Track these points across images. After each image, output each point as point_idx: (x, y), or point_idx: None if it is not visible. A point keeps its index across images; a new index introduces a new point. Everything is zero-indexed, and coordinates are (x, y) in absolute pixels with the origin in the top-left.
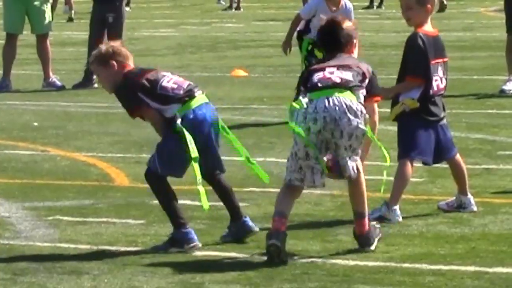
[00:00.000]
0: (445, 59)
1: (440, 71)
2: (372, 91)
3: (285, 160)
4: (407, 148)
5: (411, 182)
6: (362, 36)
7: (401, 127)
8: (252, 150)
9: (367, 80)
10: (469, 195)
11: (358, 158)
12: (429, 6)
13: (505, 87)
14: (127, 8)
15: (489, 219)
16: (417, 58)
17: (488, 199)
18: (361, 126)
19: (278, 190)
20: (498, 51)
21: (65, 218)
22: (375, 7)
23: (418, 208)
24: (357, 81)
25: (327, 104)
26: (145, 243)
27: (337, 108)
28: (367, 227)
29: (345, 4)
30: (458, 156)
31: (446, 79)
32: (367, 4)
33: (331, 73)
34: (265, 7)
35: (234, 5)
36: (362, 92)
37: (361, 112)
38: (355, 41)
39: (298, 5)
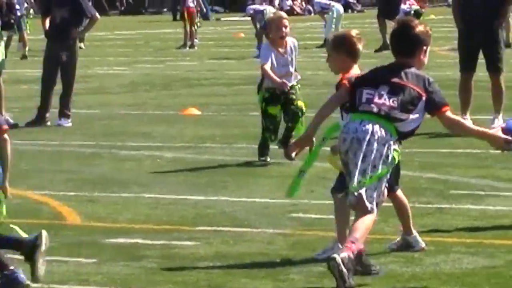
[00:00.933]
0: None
1: None
2: (434, 107)
3: (238, 199)
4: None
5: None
6: (316, 75)
7: None
8: (204, 189)
9: (422, 101)
10: (414, 233)
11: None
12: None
13: None
14: (81, 45)
15: (441, 258)
16: None
17: (440, 238)
18: (385, 152)
19: (230, 229)
20: (451, 90)
21: (17, 256)
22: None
23: (371, 247)
24: (405, 108)
25: (358, 126)
26: (97, 281)
27: (365, 130)
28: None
29: (292, 43)
30: (399, 192)
31: None
32: (321, 43)
33: (381, 96)
34: (219, 45)
35: (189, 43)
36: (414, 118)
37: (389, 144)
38: (425, 47)
39: (252, 43)
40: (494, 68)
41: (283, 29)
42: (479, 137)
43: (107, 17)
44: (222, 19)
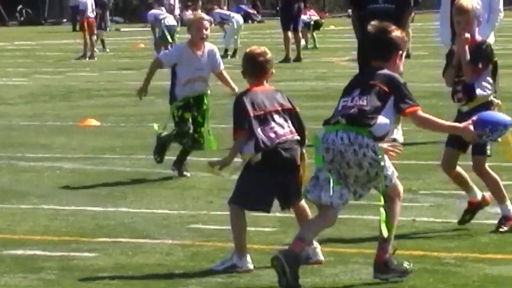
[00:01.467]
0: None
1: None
2: (403, 107)
3: (137, 210)
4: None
5: (264, 231)
6: (216, 86)
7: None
8: (104, 200)
9: (390, 99)
10: (315, 244)
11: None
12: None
13: None
14: None
15: (340, 269)
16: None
17: (339, 248)
18: (369, 154)
19: (129, 240)
20: None
21: None
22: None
23: (269, 258)
24: (374, 105)
25: (335, 138)
26: None
27: (341, 141)
28: (387, 255)
29: (211, 47)
30: (302, 203)
31: (288, 126)
32: (221, 53)
33: (353, 99)
34: (119, 56)
35: (88, 53)
36: (383, 122)
37: (367, 144)
38: (400, 52)
39: (150, 54)
40: None
41: (204, 30)
42: (451, 131)
43: (6, 28)
44: (121, 29)
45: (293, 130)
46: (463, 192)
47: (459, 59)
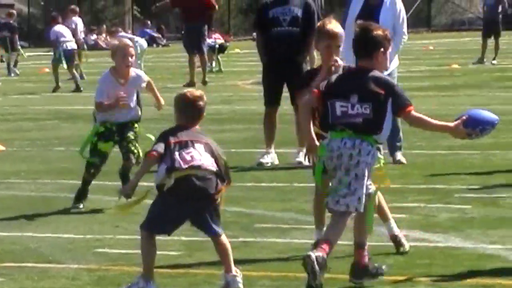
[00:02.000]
0: None
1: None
2: (399, 108)
3: (43, 235)
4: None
5: (169, 255)
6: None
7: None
8: (10, 224)
9: (389, 102)
10: (233, 272)
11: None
12: None
13: (262, 160)
14: None
15: None
16: None
17: (246, 272)
18: (361, 165)
19: (34, 264)
20: (256, 124)
21: None
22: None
23: (176, 282)
24: (377, 112)
25: (340, 143)
26: None
27: (344, 145)
28: (366, 259)
29: (135, 73)
30: (222, 239)
31: (208, 158)
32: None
33: (353, 106)
34: (24, 80)
35: None
36: (386, 126)
37: (369, 152)
38: (383, 50)
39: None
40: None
41: (129, 58)
42: (442, 130)
43: None
44: (26, 54)
45: (213, 162)
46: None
47: None
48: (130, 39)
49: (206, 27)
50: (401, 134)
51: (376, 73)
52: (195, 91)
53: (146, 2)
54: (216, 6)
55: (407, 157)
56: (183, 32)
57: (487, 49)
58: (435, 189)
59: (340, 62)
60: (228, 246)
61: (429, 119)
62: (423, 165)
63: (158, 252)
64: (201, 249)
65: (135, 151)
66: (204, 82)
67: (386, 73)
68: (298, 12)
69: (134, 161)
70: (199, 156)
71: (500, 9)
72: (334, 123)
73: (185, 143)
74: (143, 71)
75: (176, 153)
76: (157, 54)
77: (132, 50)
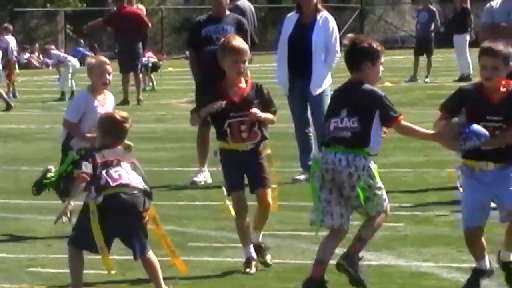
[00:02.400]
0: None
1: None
2: (389, 120)
3: None
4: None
5: (101, 274)
6: (53, 128)
7: None
8: None
9: (377, 114)
10: None
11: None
12: None
13: (196, 179)
14: None
15: None
16: None
17: None
18: (363, 177)
19: None
20: (189, 142)
21: None
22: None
23: None
24: (364, 123)
25: (334, 158)
26: None
27: (339, 162)
28: (359, 250)
29: (111, 96)
30: (149, 256)
31: (136, 176)
32: (58, 96)
33: (342, 120)
34: None
35: None
36: (375, 140)
37: (363, 167)
38: (371, 61)
39: None
40: None
41: (107, 75)
42: (431, 139)
43: None
44: None
45: (141, 180)
46: (302, 233)
47: None
48: (63, 58)
49: (140, 45)
50: (312, 153)
51: (365, 86)
52: (122, 112)
53: (79, 21)
54: (149, 24)
55: None
56: (116, 51)
57: (420, 67)
58: None
59: (248, 80)
60: (157, 264)
61: (418, 128)
62: None
63: (91, 271)
64: (133, 268)
65: None
66: (139, 101)
67: (318, 91)
68: (231, 30)
69: None
70: (127, 174)
71: (432, 27)
72: (328, 139)
73: (111, 162)
74: (75, 90)
75: (104, 172)
76: None
77: (109, 67)
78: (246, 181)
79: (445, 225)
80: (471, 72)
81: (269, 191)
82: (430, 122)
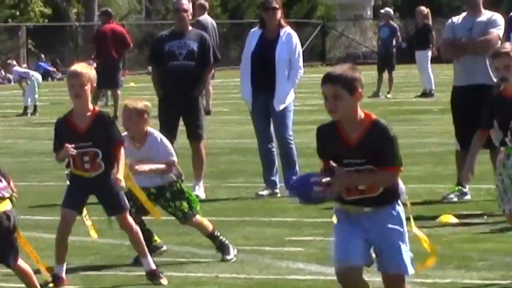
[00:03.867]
0: None
1: None
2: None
3: None
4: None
5: None
6: (16, 143)
7: None
8: None
9: None
10: None
11: None
12: None
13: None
14: None
15: None
16: None
17: None
18: None
19: None
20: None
21: None
22: None
23: None
24: None
25: None
26: None
27: None
28: None
29: None
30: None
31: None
32: (21, 111)
33: None
34: None
35: None
36: None
37: None
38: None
39: None
40: (195, 135)
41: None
42: None
43: None
44: None
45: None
46: (265, 248)
47: None
48: (25, 73)
49: (121, 63)
50: (297, 168)
51: None
52: None
53: (41, 35)
54: (131, 44)
55: None
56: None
57: (382, 82)
58: (331, 223)
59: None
60: (28, 272)
61: None
62: None
63: None
64: (99, 282)
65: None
66: (116, 117)
67: (282, 106)
68: (194, 46)
69: None
70: (1, 183)
71: (394, 43)
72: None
73: None
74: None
75: None
76: (52, 88)
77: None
78: None
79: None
80: (434, 87)
81: (126, 214)
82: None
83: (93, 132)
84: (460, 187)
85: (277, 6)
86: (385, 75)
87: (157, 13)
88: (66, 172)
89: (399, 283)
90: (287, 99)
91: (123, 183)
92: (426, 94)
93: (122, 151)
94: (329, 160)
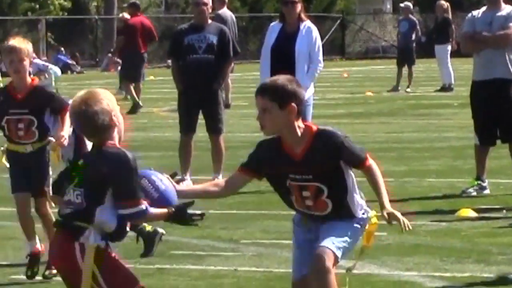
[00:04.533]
0: None
1: None
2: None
3: None
4: None
5: None
6: None
7: None
8: None
9: None
10: None
11: None
12: None
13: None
14: None
15: None
16: None
17: None
18: None
19: None
20: (171, 151)
21: None
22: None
23: None
24: None
25: None
26: None
27: None
28: None
29: None
30: None
31: None
32: None
33: None
34: None
35: None
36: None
37: None
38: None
39: None
40: (214, 129)
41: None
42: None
43: None
44: None
45: None
46: (285, 241)
47: None
48: (43, 66)
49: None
50: None
51: None
52: None
53: (60, 29)
54: (157, 38)
55: None
56: (97, 59)
57: (402, 77)
58: None
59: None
60: None
61: None
62: None
63: None
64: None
65: None
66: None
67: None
68: (214, 39)
69: None
70: None
71: (413, 37)
72: None
73: None
74: None
75: None
76: (71, 82)
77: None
78: None
79: (427, 234)
80: (453, 82)
81: (45, 201)
82: (410, 132)
83: (30, 101)
84: (479, 181)
85: (296, 0)
86: (405, 69)
87: (176, 7)
88: (2, 149)
89: (327, 258)
90: (307, 93)
91: (66, 141)
92: (446, 88)
93: (67, 115)
94: (254, 172)
